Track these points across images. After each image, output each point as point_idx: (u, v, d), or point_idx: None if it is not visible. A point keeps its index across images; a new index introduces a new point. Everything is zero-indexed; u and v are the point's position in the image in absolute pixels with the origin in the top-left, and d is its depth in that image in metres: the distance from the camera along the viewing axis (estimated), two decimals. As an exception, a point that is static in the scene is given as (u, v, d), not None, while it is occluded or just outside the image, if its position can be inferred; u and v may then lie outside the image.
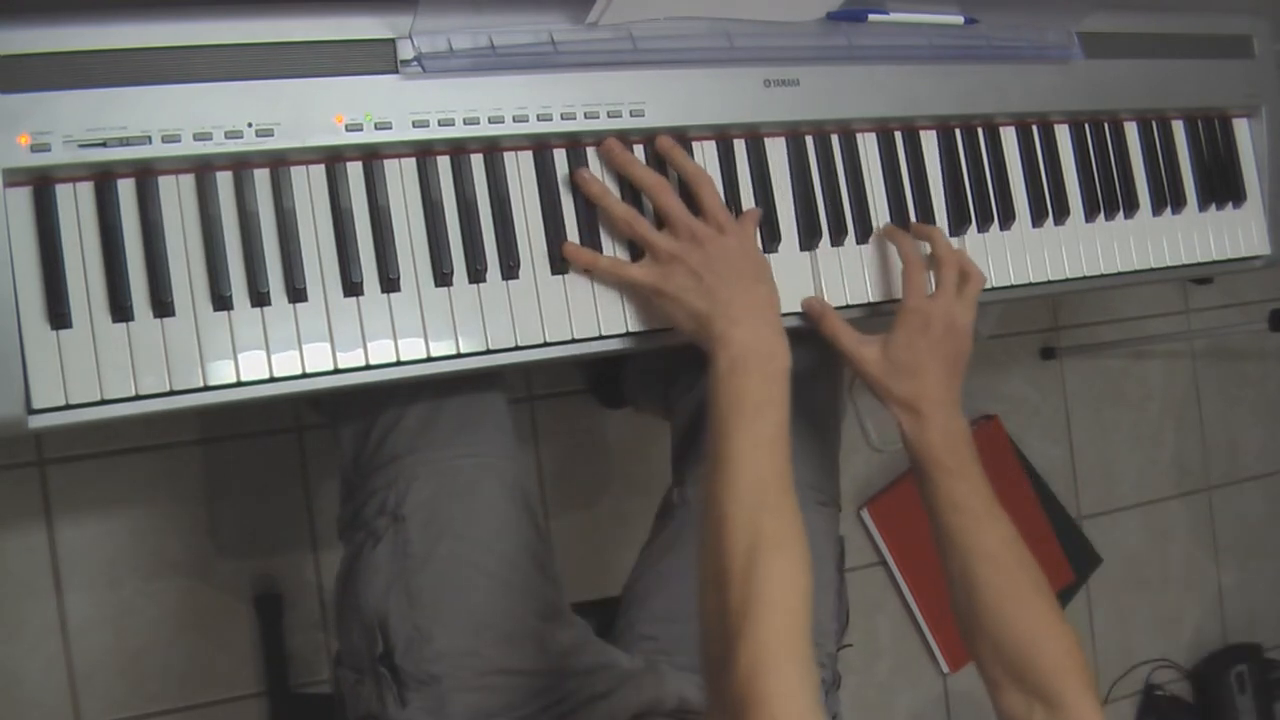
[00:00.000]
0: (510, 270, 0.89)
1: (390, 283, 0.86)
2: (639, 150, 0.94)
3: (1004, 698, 0.88)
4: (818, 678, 0.75)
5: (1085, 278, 1.13)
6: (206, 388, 0.80)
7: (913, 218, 1.04)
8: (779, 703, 0.70)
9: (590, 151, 0.92)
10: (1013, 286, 1.09)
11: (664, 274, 0.89)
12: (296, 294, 0.83)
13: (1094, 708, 0.85)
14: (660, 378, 1.27)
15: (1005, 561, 0.89)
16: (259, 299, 0.82)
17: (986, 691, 0.89)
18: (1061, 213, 1.12)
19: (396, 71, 0.86)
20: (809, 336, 0.99)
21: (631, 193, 0.93)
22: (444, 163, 0.89)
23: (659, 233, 0.90)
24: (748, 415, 0.83)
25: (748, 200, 0.98)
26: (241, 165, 0.83)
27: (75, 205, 0.78)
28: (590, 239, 0.92)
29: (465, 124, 0.87)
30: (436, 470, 0.93)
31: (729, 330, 0.86)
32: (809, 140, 1.01)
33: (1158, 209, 1.18)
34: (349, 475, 0.98)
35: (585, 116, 0.91)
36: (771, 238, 0.98)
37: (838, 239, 1.01)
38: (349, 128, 0.84)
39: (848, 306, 1.01)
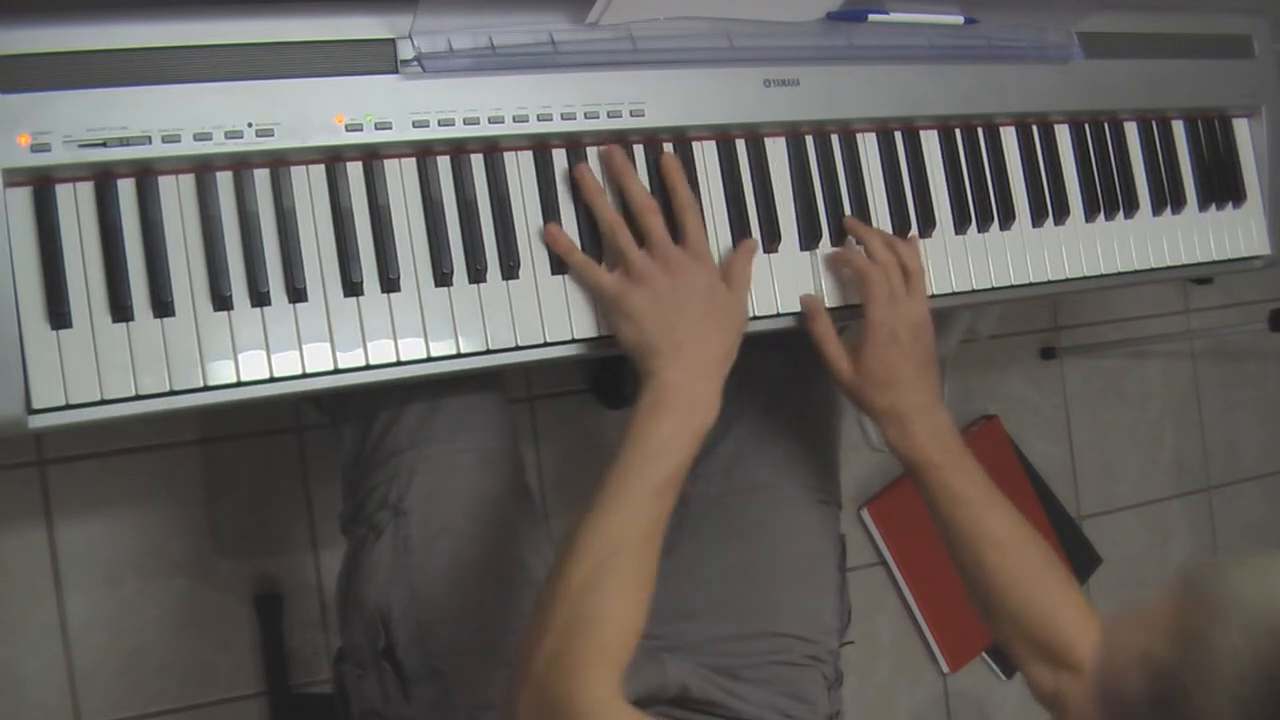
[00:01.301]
0: (510, 270, 0.89)
1: (390, 283, 0.86)
2: (639, 150, 0.94)
3: (1031, 670, 0.91)
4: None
5: (1085, 278, 1.13)
6: (206, 388, 0.80)
7: (913, 218, 1.04)
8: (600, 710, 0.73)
9: (590, 151, 0.92)
10: (1012, 286, 1.09)
11: (627, 290, 0.88)
12: (296, 294, 0.83)
13: None
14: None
15: (1013, 543, 0.92)
16: (259, 299, 0.82)
17: (1020, 672, 0.93)
18: (1061, 213, 1.12)
19: (396, 71, 0.86)
20: (807, 339, 0.99)
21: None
22: (444, 163, 0.89)
23: (638, 249, 0.89)
24: (646, 458, 0.83)
25: (748, 201, 0.98)
26: (241, 165, 0.83)
27: (75, 205, 0.78)
28: (590, 240, 0.92)
29: (465, 124, 0.87)
30: (437, 465, 0.94)
31: (665, 369, 0.85)
32: (809, 140, 1.01)
33: (1158, 209, 1.18)
34: (350, 472, 0.98)
35: (585, 116, 0.91)
36: (771, 238, 0.98)
37: (838, 239, 1.01)
38: (349, 128, 0.84)
39: (847, 307, 1.01)
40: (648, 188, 0.92)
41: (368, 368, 0.85)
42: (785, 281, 0.99)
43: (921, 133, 1.06)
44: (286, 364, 0.83)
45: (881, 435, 0.97)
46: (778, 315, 0.98)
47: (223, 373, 0.81)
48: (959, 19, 1.03)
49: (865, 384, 0.96)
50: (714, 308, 0.89)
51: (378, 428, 0.95)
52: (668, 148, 0.95)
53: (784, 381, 1.09)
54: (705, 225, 0.93)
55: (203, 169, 0.81)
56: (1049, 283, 1.11)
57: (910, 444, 0.95)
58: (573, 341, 0.91)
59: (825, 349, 0.97)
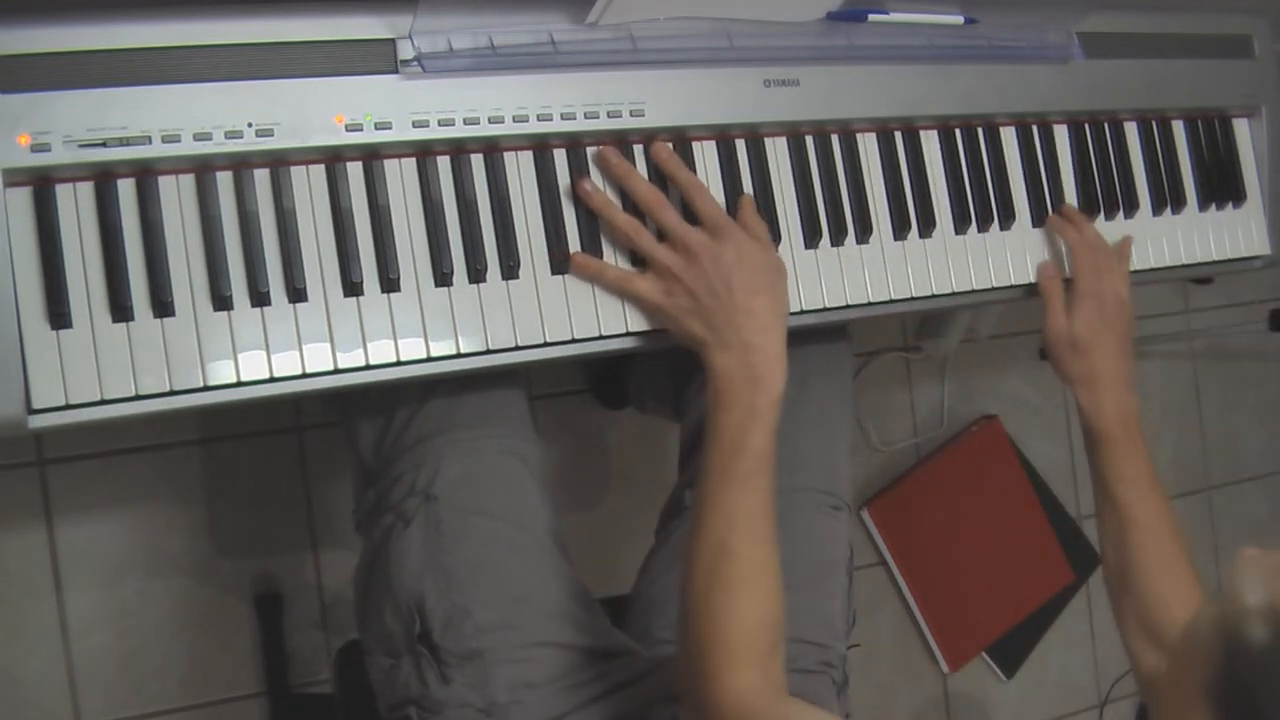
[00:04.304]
0: (510, 270, 0.89)
1: (390, 283, 0.86)
2: (638, 150, 0.94)
3: (1137, 646, 0.99)
4: (781, 682, 0.81)
5: (1085, 278, 1.13)
6: (206, 388, 0.80)
7: (913, 218, 1.04)
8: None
9: (590, 151, 0.92)
10: (1013, 287, 1.09)
11: (666, 291, 0.90)
12: (296, 294, 0.83)
13: None
14: (669, 377, 1.27)
15: (1160, 530, 1.00)
16: (259, 299, 0.82)
17: (1123, 644, 1.01)
18: (1061, 213, 1.12)
19: (396, 71, 0.86)
20: (819, 336, 0.99)
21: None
22: (444, 163, 0.89)
23: (660, 245, 0.90)
24: (724, 454, 0.85)
25: (748, 200, 0.98)
26: (241, 165, 0.83)
27: (75, 205, 0.78)
28: (590, 240, 0.92)
29: (465, 124, 0.87)
30: (465, 450, 0.94)
31: (716, 359, 0.87)
32: (809, 140, 1.01)
33: (1158, 209, 1.18)
34: (369, 464, 0.98)
35: (585, 116, 0.91)
36: (772, 238, 0.98)
37: (838, 239, 1.01)
38: (349, 128, 0.84)
39: (847, 306, 1.01)
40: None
41: (368, 368, 0.85)
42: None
43: (921, 133, 1.06)
44: (286, 364, 0.83)
45: (1075, 401, 1.04)
46: (778, 315, 0.98)
47: (223, 373, 0.81)
48: (959, 19, 1.03)
49: (1072, 348, 1.04)
50: (750, 275, 0.89)
51: (400, 418, 0.95)
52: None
53: (795, 386, 1.10)
54: (714, 198, 0.93)
55: (203, 169, 0.81)
56: (1049, 283, 1.11)
57: (1099, 413, 1.02)
58: (572, 341, 0.91)
59: (1052, 304, 1.07)
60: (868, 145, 1.04)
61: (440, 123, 0.86)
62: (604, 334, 0.92)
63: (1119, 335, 1.05)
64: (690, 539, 0.85)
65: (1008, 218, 1.09)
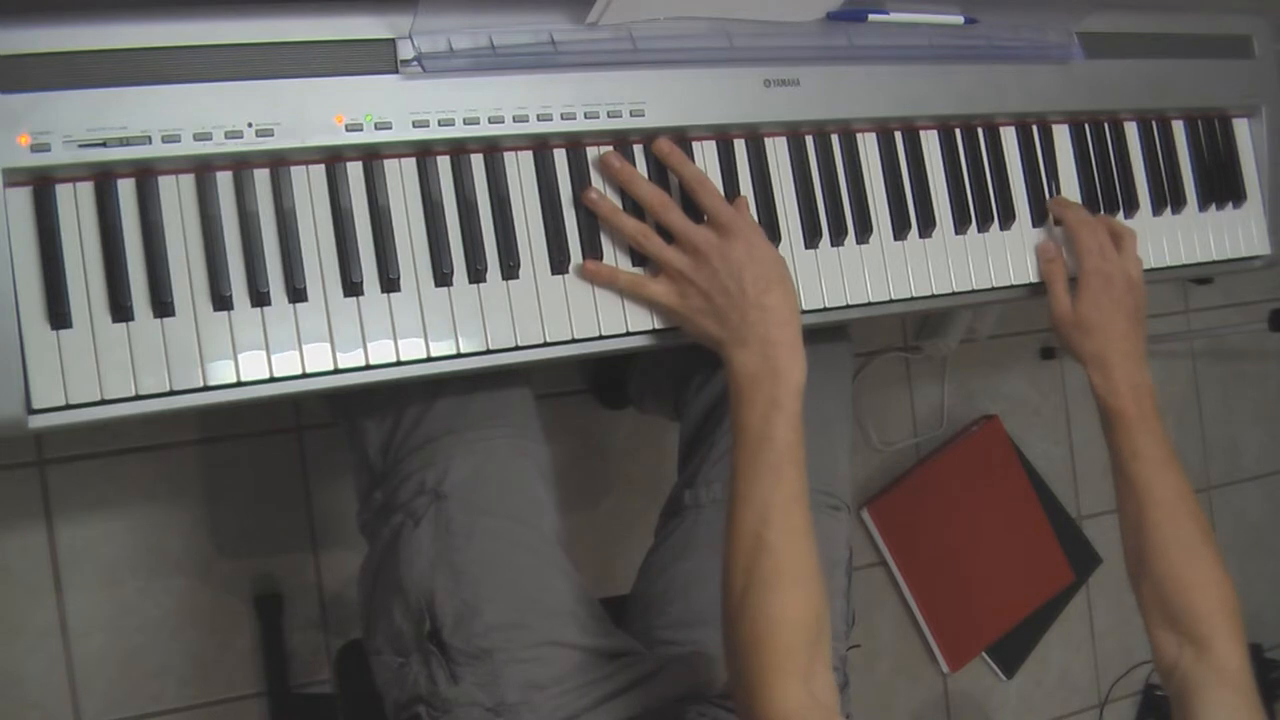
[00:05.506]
0: (510, 270, 0.89)
1: (390, 283, 0.86)
2: (639, 150, 0.94)
3: (1158, 635, 0.97)
4: (828, 690, 0.80)
5: (1085, 278, 1.13)
6: (206, 388, 0.80)
7: (913, 218, 1.04)
8: None
9: (591, 152, 0.92)
10: (1013, 287, 1.09)
11: (679, 293, 0.90)
12: (296, 294, 0.83)
13: (1241, 656, 0.93)
14: (669, 378, 1.27)
15: (1178, 510, 0.98)
16: (259, 299, 0.82)
17: (1145, 628, 0.98)
18: (1061, 213, 1.12)
19: (396, 71, 0.86)
20: (819, 336, 0.99)
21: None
22: (444, 163, 0.89)
23: (670, 248, 0.91)
24: (751, 448, 0.85)
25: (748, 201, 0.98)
26: (241, 165, 0.83)
27: (75, 205, 0.78)
28: (590, 240, 0.92)
29: (465, 124, 0.87)
30: (475, 449, 0.94)
31: (735, 354, 0.88)
32: (809, 140, 1.01)
33: (1158, 209, 1.18)
34: (375, 464, 0.98)
35: (585, 116, 0.91)
36: (772, 238, 0.98)
37: (838, 239, 1.01)
38: (349, 128, 0.84)
39: (847, 306, 1.01)
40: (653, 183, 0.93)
41: (368, 368, 0.85)
42: (785, 281, 0.98)
43: (921, 133, 1.06)
44: (286, 364, 0.83)
45: (1088, 380, 1.04)
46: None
47: (223, 373, 0.81)
48: (959, 19, 1.03)
49: (1079, 328, 1.04)
50: (762, 269, 0.90)
51: (408, 418, 0.96)
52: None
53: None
54: (718, 192, 0.93)
55: (203, 169, 0.81)
56: (1049, 283, 1.11)
57: (1111, 390, 1.01)
58: (572, 341, 0.91)
59: (1054, 287, 1.07)
60: (868, 145, 1.04)
61: (440, 123, 0.86)
62: (604, 334, 0.92)
63: (1129, 313, 1.04)
64: (725, 539, 0.84)
65: (1008, 217, 1.09)
